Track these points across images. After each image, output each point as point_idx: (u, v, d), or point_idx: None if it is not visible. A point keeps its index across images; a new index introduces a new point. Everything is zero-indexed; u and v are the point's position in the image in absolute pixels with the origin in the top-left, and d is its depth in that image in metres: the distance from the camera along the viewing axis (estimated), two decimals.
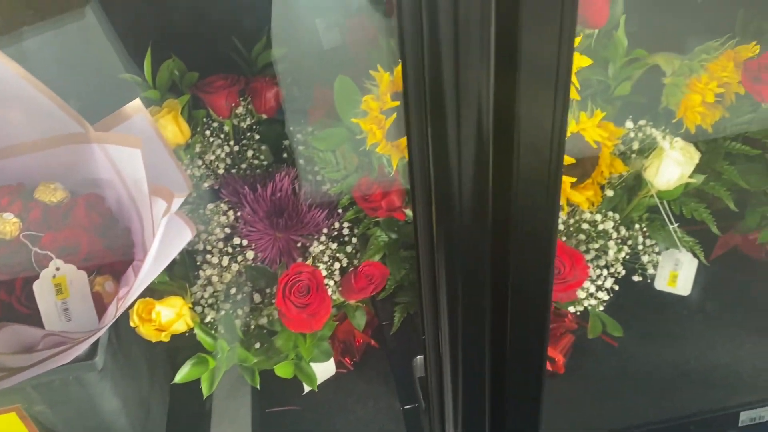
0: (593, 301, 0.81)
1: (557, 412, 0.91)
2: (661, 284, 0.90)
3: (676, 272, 0.89)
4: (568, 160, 0.81)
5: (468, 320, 0.52)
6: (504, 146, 0.38)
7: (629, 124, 0.81)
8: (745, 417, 0.89)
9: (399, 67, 0.41)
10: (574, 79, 0.78)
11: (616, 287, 0.83)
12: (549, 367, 0.91)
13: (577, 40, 0.76)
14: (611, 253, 0.82)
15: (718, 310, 1.00)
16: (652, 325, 0.98)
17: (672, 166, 0.80)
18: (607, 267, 0.82)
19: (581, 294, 0.80)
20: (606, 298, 0.81)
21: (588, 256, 0.84)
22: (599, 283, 0.81)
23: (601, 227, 0.83)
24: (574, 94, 0.79)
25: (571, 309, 0.82)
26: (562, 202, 0.83)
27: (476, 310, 0.51)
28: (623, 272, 0.83)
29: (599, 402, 0.91)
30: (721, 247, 1.00)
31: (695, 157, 0.81)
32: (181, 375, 0.72)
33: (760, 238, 0.88)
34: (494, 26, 0.34)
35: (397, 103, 0.72)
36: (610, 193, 0.84)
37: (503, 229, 0.45)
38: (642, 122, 0.84)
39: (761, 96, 0.77)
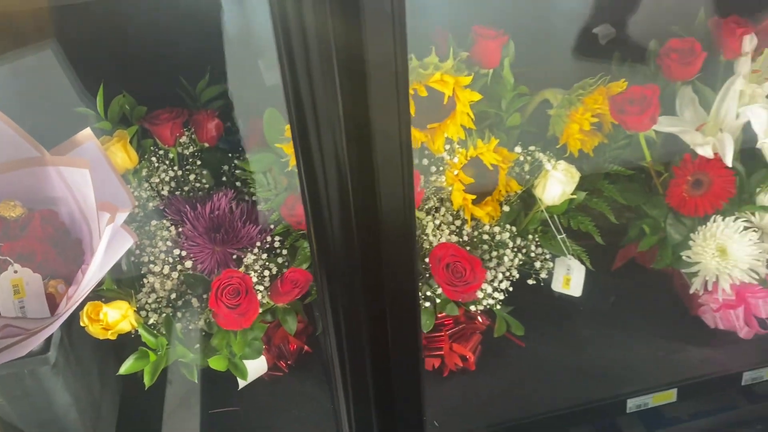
0: (491, 300, 0.93)
1: (470, 404, 1.03)
2: (556, 286, 1.02)
3: (569, 276, 1.02)
4: (467, 180, 0.94)
5: (349, 324, 0.63)
6: (361, 158, 0.50)
7: (518, 149, 0.94)
8: (631, 404, 1.02)
9: None
10: (468, 110, 0.92)
11: (511, 288, 0.95)
12: (461, 364, 1.03)
13: (469, 79, 0.90)
14: (506, 260, 0.95)
15: (613, 312, 1.13)
16: (555, 326, 1.11)
17: (555, 185, 0.94)
18: (503, 272, 0.95)
19: (480, 294, 0.92)
20: (501, 297, 0.94)
21: (491, 264, 0.96)
22: (495, 285, 0.93)
23: (498, 238, 0.96)
24: (470, 124, 0.93)
25: (473, 308, 0.94)
26: (467, 216, 0.97)
27: (354, 315, 0.62)
28: (517, 276, 0.96)
29: (507, 395, 1.03)
30: (621, 259, 1.14)
31: (575, 176, 0.95)
32: (126, 367, 0.82)
33: (639, 246, 1.02)
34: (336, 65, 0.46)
35: None
36: (507, 208, 0.98)
37: (371, 240, 0.56)
38: (532, 147, 0.98)
39: (626, 125, 0.91)
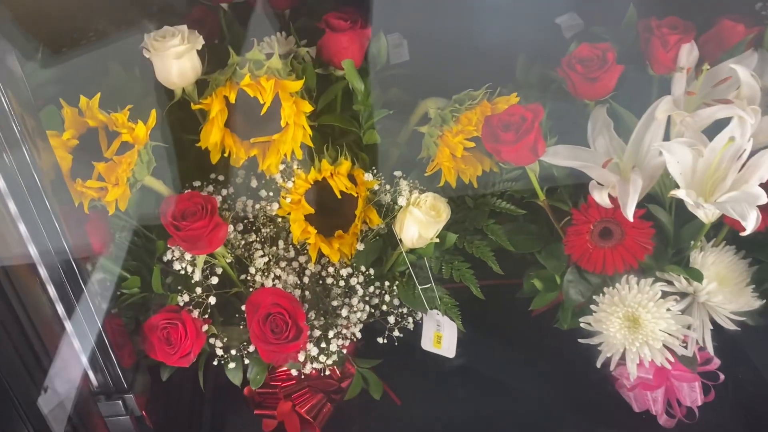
0: (317, 365, 0.74)
1: None
2: (427, 344, 0.83)
3: (440, 333, 0.82)
4: (308, 209, 0.75)
5: None
6: None
7: (368, 176, 0.74)
8: None
9: None
10: (304, 123, 0.72)
11: (347, 343, 0.76)
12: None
13: (298, 84, 0.70)
14: (344, 312, 0.75)
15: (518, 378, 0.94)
16: (432, 384, 0.92)
17: (411, 225, 0.73)
18: (339, 327, 0.76)
19: (301, 357, 0.73)
20: (331, 362, 0.75)
21: (344, 312, 0.77)
22: (324, 345, 0.74)
23: (344, 283, 0.77)
24: (308, 141, 0.73)
25: (294, 371, 0.76)
26: (312, 253, 0.77)
27: None
28: (359, 335, 0.77)
29: None
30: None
31: (442, 215, 0.74)
32: None
33: (532, 304, 0.81)
34: None
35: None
36: (361, 246, 0.78)
37: None
38: (398, 173, 0.77)
39: (500, 156, 0.70)
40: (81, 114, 0.65)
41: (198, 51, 0.71)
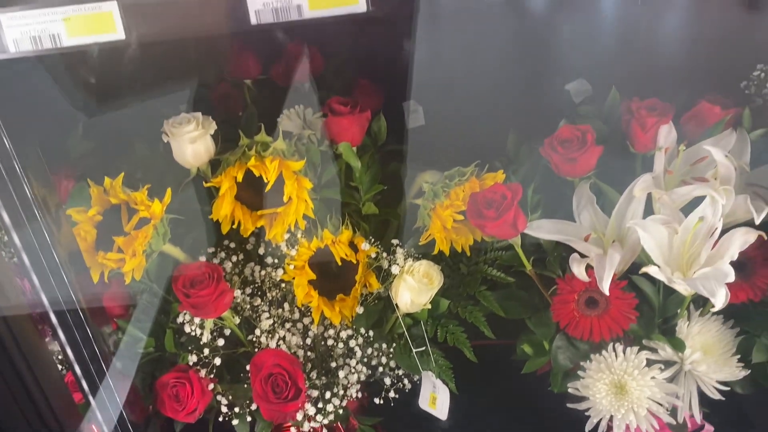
0: (314, 424, 0.79)
1: None
2: (423, 404, 0.87)
3: (435, 394, 0.86)
4: (310, 274, 0.81)
5: None
6: None
7: (366, 246, 0.80)
8: None
9: None
10: (306, 197, 0.79)
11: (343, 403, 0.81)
12: None
13: (300, 164, 0.77)
14: (341, 374, 0.81)
15: None
16: None
17: (404, 291, 0.79)
18: (337, 386, 0.81)
19: (299, 416, 0.79)
20: (327, 421, 0.80)
21: (342, 372, 0.83)
22: (320, 405, 0.79)
23: (343, 344, 0.82)
24: (310, 213, 0.80)
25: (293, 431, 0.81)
26: (314, 315, 0.83)
27: None
28: (358, 395, 0.81)
29: None
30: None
31: (435, 282, 0.79)
32: None
33: (524, 368, 0.84)
34: None
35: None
36: (360, 310, 0.83)
37: None
38: (395, 241, 0.83)
39: (485, 230, 0.75)
40: (105, 192, 0.73)
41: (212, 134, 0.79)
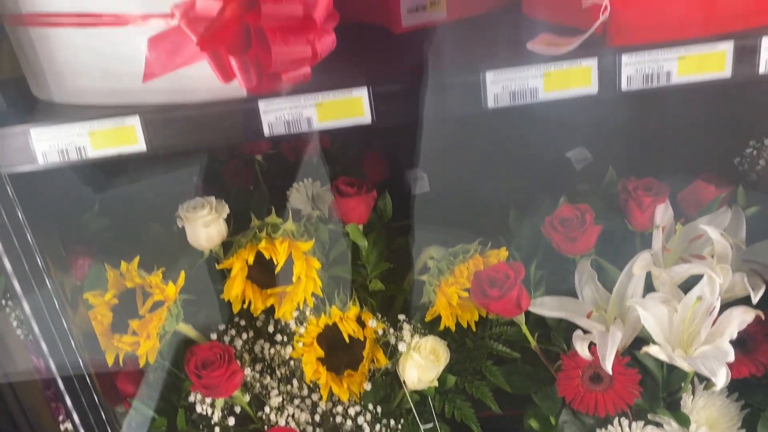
0: None
1: None
2: None
3: None
4: (318, 351, 0.83)
5: None
6: None
7: (372, 323, 0.82)
8: None
9: None
10: (315, 276, 0.81)
11: None
12: None
13: (309, 245, 0.79)
14: None
15: None
16: None
17: (412, 368, 0.80)
18: None
19: None
20: None
21: None
22: None
23: (351, 421, 0.83)
24: (318, 291, 0.82)
25: None
26: (323, 391, 0.84)
27: None
28: None
29: None
30: None
31: (441, 358, 0.81)
32: None
33: None
34: None
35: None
36: (368, 386, 0.85)
37: None
38: (401, 317, 0.85)
39: (488, 308, 0.77)
40: (122, 276, 0.76)
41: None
